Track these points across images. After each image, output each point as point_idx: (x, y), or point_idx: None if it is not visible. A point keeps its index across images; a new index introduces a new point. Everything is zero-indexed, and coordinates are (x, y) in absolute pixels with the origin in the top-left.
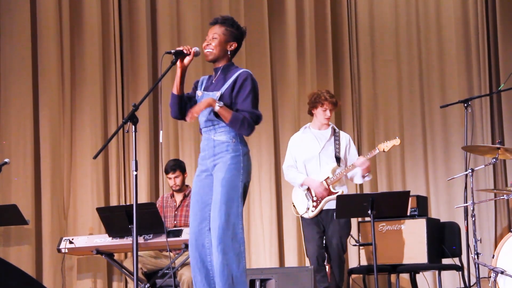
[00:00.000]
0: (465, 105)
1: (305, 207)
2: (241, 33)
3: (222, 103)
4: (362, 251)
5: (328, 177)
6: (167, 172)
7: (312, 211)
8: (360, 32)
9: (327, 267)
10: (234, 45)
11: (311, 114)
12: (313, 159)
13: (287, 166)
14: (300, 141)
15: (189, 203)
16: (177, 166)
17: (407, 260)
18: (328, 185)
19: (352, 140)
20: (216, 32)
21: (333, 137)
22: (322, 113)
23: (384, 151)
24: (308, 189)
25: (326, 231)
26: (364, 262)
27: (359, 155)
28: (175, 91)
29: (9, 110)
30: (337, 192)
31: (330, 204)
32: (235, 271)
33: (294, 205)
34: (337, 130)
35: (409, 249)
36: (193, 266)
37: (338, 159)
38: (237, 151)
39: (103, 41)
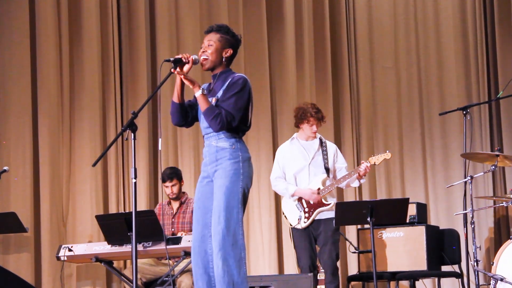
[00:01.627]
0: (464, 112)
1: (296, 218)
2: (236, 40)
3: (204, 91)
4: (362, 258)
5: (318, 188)
6: (164, 181)
7: (304, 222)
8: (359, 39)
9: (318, 274)
10: (229, 52)
11: (298, 127)
12: (303, 170)
13: (275, 177)
14: (289, 153)
15: (185, 210)
16: (174, 174)
17: (407, 267)
18: (320, 196)
19: (338, 149)
20: (211, 39)
21: (321, 148)
22: (309, 128)
23: (375, 164)
24: (299, 199)
25: (317, 240)
26: (363, 269)
27: (359, 162)
28: (175, 99)
29: (8, 118)
30: (330, 203)
31: (321, 214)
32: (236, 277)
33: (285, 216)
34: (323, 140)
35: (408, 256)
36: (195, 272)
37: (327, 170)
38: (236, 158)
39: (102, 49)
